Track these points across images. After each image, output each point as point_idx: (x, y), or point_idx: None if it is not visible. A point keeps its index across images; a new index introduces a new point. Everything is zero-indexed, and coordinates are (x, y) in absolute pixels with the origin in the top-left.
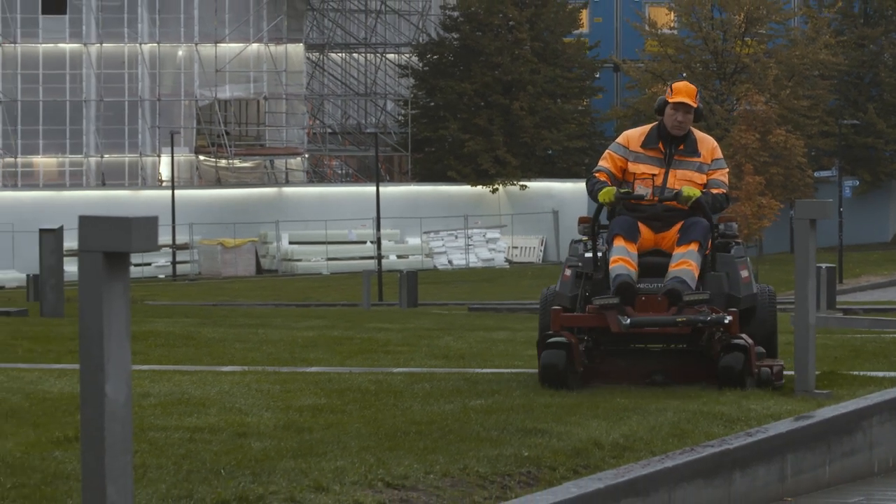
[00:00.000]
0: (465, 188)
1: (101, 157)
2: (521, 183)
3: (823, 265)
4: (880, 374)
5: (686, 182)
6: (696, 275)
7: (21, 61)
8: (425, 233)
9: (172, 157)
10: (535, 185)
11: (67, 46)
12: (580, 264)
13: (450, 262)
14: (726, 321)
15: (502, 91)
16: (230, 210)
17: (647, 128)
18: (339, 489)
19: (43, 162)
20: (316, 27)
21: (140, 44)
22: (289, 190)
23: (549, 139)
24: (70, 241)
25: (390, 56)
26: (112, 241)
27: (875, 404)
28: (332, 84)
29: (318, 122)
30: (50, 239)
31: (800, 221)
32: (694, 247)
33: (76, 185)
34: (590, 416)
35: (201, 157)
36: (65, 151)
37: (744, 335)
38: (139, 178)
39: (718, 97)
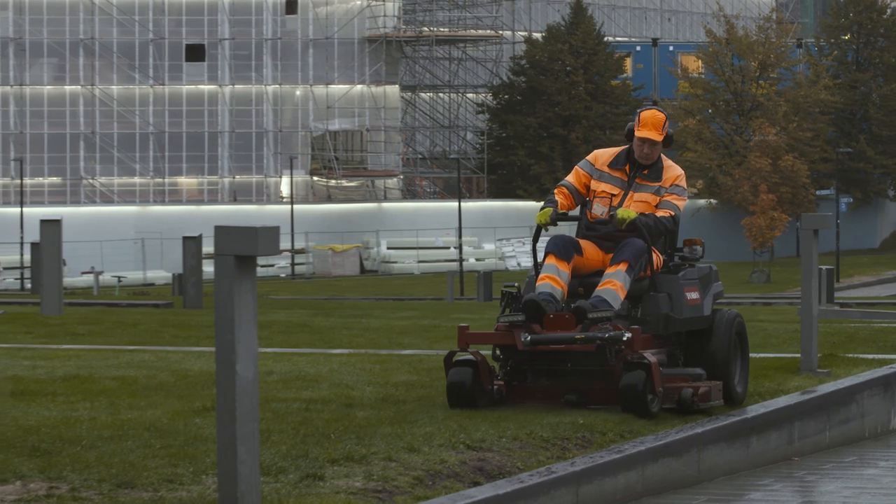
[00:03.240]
0: (531, 203)
1: (233, 177)
2: None
3: (824, 267)
4: (870, 356)
5: (641, 204)
6: (622, 294)
7: (168, 100)
8: (498, 240)
9: (291, 177)
10: None
11: (206, 87)
12: (516, 284)
13: (518, 263)
14: (625, 338)
15: (561, 124)
16: (338, 221)
17: (619, 149)
18: (428, 450)
19: (185, 182)
20: (409, 72)
21: (265, 85)
22: (387, 205)
23: None
24: (207, 247)
25: (469, 95)
26: (242, 247)
27: (866, 381)
28: (422, 118)
29: (410, 149)
30: (191, 245)
31: (805, 231)
32: (622, 267)
33: (213, 201)
34: None
35: (315, 178)
36: (203, 173)
37: (647, 353)
38: (264, 195)
39: (737, 129)
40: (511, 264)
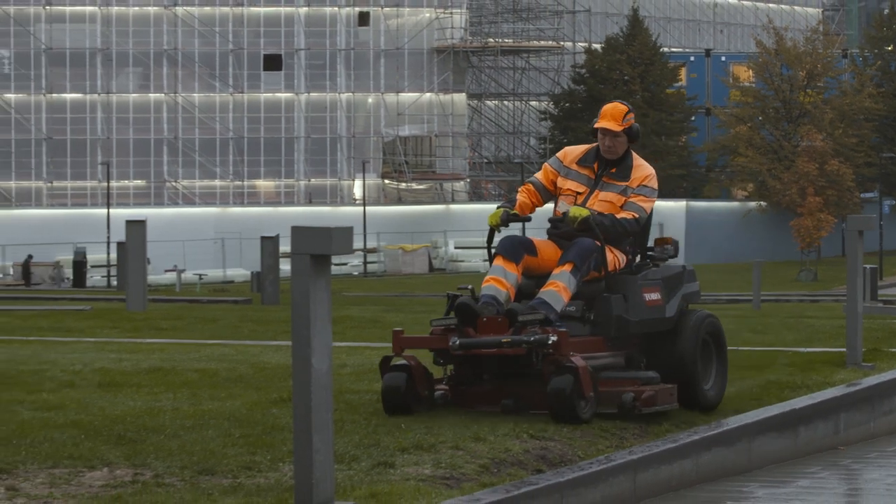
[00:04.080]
0: None
1: (309, 180)
2: None
3: (868, 266)
4: None
5: (606, 203)
6: (565, 296)
7: (247, 107)
8: None
9: (364, 180)
10: None
11: (283, 95)
12: (469, 286)
13: None
14: (549, 342)
15: None
16: (408, 222)
17: (590, 146)
18: (494, 440)
19: (263, 185)
20: (475, 80)
21: (339, 93)
22: (454, 206)
23: (655, 168)
24: (284, 246)
25: (533, 103)
26: (317, 246)
27: None
28: (488, 124)
29: (476, 153)
30: (269, 244)
31: (850, 232)
32: (567, 268)
33: (289, 203)
34: None
35: (386, 181)
36: (280, 176)
37: (575, 357)
38: (338, 197)
39: (786, 135)
40: None
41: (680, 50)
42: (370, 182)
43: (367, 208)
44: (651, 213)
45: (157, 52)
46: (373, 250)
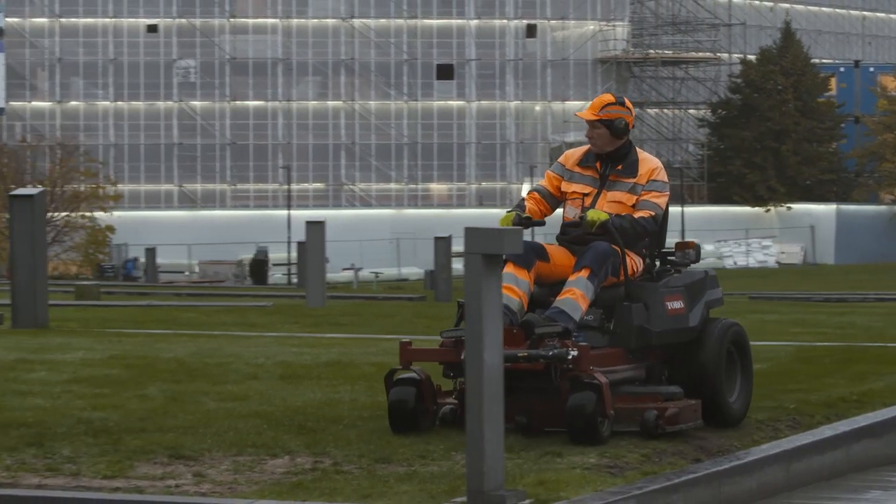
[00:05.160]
0: (746, 208)
1: (479, 184)
2: (787, 205)
3: None
4: None
5: (616, 204)
6: (584, 304)
7: (421, 114)
8: (717, 241)
9: (532, 184)
10: (798, 207)
11: (454, 103)
12: None
13: (735, 262)
14: (569, 356)
15: (773, 138)
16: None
17: (589, 146)
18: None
19: (436, 188)
20: (636, 89)
21: (508, 101)
22: None
23: (807, 173)
24: (457, 246)
25: (691, 111)
26: (489, 246)
27: None
28: (648, 131)
29: None
30: (442, 244)
31: None
32: (584, 273)
33: (460, 205)
34: (837, 377)
35: None
36: (452, 180)
37: (598, 373)
38: (507, 199)
39: None
40: (728, 263)
41: (830, 61)
42: None
43: None
44: (667, 209)
45: (335, 62)
46: None
